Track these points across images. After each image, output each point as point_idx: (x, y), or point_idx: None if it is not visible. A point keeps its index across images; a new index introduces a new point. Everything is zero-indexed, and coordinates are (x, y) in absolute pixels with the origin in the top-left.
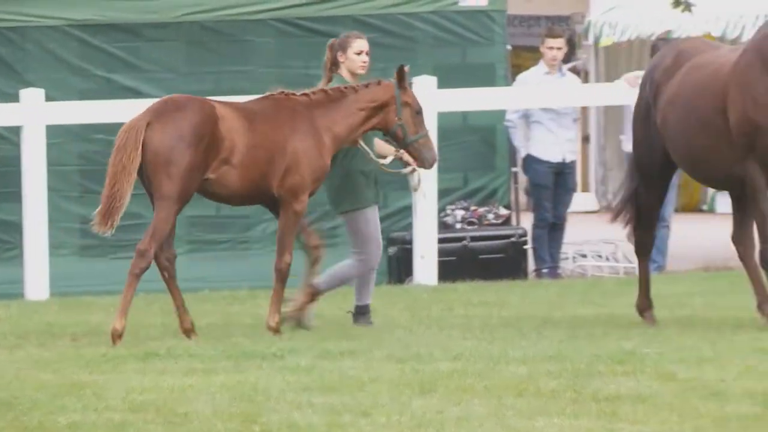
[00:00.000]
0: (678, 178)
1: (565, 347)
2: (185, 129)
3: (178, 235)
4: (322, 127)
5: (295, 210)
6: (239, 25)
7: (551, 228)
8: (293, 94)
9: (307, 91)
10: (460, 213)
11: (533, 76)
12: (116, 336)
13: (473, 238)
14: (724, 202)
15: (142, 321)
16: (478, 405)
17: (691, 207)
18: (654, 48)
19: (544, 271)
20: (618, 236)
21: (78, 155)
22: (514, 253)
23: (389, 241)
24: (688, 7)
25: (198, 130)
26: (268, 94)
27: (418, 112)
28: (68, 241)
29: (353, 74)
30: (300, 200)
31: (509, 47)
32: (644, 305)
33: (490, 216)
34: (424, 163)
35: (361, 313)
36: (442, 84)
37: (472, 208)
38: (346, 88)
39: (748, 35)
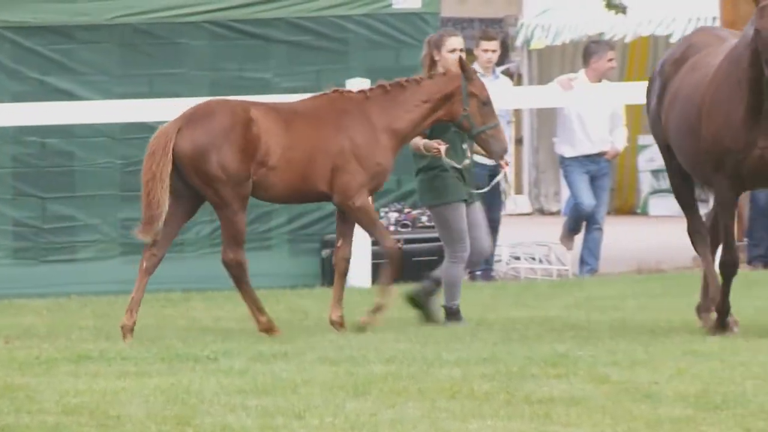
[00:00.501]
0: (612, 181)
1: (499, 350)
2: (215, 134)
3: (112, 237)
4: (379, 123)
5: (357, 207)
6: (172, 27)
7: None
8: (348, 92)
9: (365, 88)
10: (393, 215)
11: None
12: (268, 330)
13: (407, 241)
14: (656, 205)
15: (76, 323)
16: (411, 407)
17: (625, 210)
18: (586, 50)
19: (478, 273)
20: (551, 239)
21: (11, 158)
22: None
23: (323, 244)
24: (621, 10)
25: (228, 134)
26: (321, 93)
27: (485, 103)
28: (1, 244)
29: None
30: (355, 198)
31: None
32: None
33: (424, 218)
34: (493, 155)
35: (451, 314)
36: None
37: (406, 210)
38: (407, 81)
39: (679, 37)
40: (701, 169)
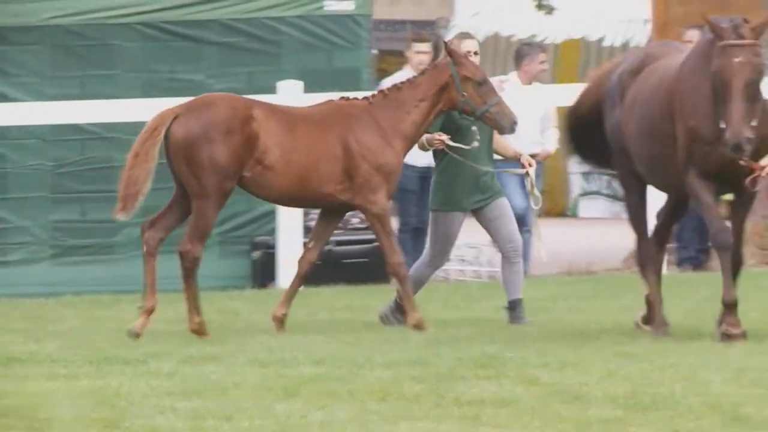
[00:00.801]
0: (542, 183)
1: (429, 351)
2: (209, 125)
3: (42, 239)
4: (389, 127)
5: (374, 213)
6: (104, 29)
7: (415, 233)
8: (354, 98)
9: (368, 94)
10: None
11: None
12: (199, 332)
13: (337, 243)
14: (586, 207)
15: (5, 326)
16: (341, 410)
17: (555, 212)
18: (518, 52)
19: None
20: (481, 241)
21: None
22: (378, 258)
23: (253, 246)
24: (549, 10)
25: (223, 127)
26: (328, 99)
27: (480, 83)
28: None
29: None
30: (372, 202)
31: (375, 51)
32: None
33: (355, 220)
34: (503, 130)
35: (511, 308)
36: (309, 88)
37: None
38: (402, 83)
39: (610, 39)
40: (664, 171)
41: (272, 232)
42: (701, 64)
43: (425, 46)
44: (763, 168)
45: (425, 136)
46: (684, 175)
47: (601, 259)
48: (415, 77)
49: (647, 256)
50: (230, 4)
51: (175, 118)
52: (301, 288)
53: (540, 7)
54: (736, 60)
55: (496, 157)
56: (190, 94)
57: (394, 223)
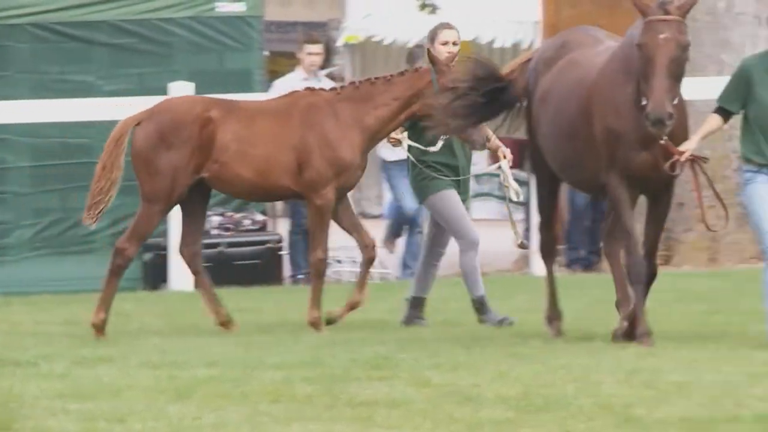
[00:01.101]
0: None
1: (321, 353)
2: (166, 130)
3: None
4: (349, 120)
5: (317, 205)
6: None
7: (307, 234)
8: (320, 90)
9: (336, 86)
10: (216, 219)
11: (291, 82)
12: (98, 329)
13: (229, 244)
14: (478, 208)
15: None
16: (234, 411)
17: None
18: (409, 54)
19: (300, 276)
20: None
21: None
22: (270, 259)
23: (144, 248)
24: (433, 10)
25: (180, 132)
26: (292, 90)
27: None
28: None
29: (443, 66)
30: (320, 195)
31: (266, 53)
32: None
33: (246, 222)
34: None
35: (479, 307)
36: (200, 90)
37: (228, 214)
38: (377, 79)
39: (501, 40)
40: (579, 169)
41: (163, 234)
42: (623, 66)
43: (317, 48)
44: (682, 153)
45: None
46: (606, 179)
47: (492, 261)
48: (393, 76)
49: (547, 249)
50: (121, 5)
51: (138, 124)
52: (192, 290)
53: (423, 6)
54: (662, 36)
55: None
56: (80, 96)
57: (286, 224)
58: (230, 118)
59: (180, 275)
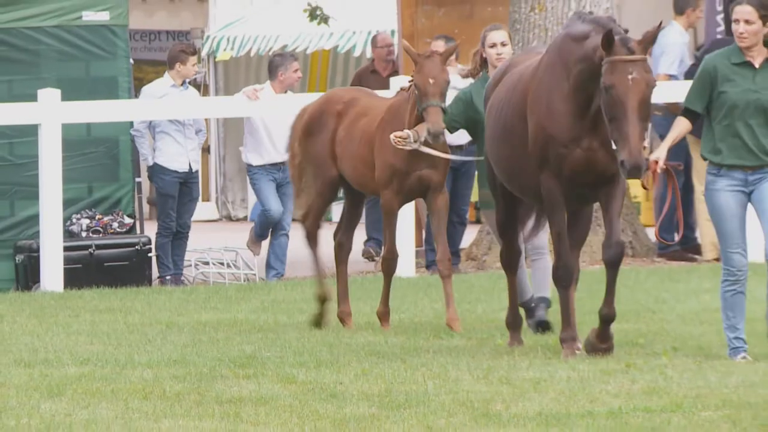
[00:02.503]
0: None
1: (189, 351)
2: (304, 122)
3: None
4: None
5: (381, 204)
6: None
7: (175, 236)
8: (405, 90)
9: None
10: (85, 222)
11: (159, 89)
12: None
13: (98, 246)
14: (338, 211)
15: None
16: (105, 408)
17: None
18: (271, 63)
19: (168, 278)
20: (239, 244)
21: None
22: (139, 261)
23: (16, 249)
24: (324, 20)
25: (311, 124)
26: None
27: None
28: None
29: (493, 67)
30: (382, 195)
31: (132, 61)
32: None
33: (115, 225)
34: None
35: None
36: (67, 96)
37: (98, 217)
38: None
39: (359, 49)
40: (520, 174)
41: (36, 235)
42: (557, 60)
43: (194, 59)
44: (656, 164)
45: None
46: (540, 179)
47: (351, 261)
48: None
49: (508, 261)
50: None
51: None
52: (63, 290)
53: (313, 17)
54: (630, 77)
55: None
56: None
57: (153, 227)
58: (349, 113)
59: (51, 277)
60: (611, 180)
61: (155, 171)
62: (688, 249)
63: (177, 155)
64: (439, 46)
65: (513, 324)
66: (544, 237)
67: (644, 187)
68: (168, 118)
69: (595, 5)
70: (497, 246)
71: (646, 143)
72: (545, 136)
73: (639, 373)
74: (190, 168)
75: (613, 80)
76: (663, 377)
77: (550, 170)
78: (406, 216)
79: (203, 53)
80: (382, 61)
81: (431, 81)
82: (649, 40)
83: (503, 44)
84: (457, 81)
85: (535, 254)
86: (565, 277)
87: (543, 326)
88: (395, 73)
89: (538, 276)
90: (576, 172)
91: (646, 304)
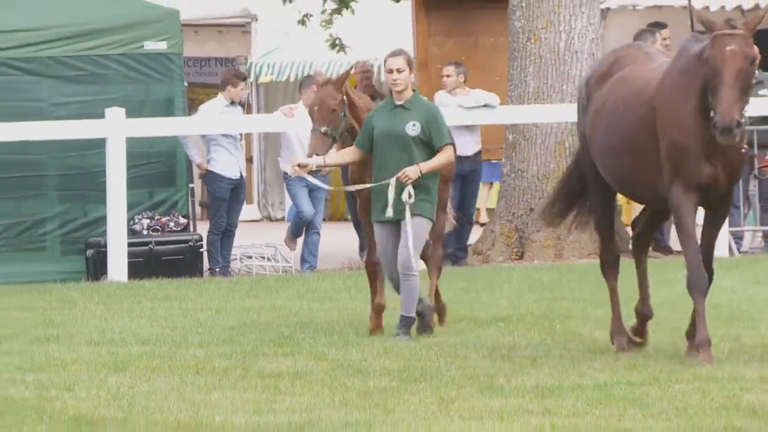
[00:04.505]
0: (326, 193)
1: (235, 333)
2: None
3: None
4: None
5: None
6: None
7: (224, 234)
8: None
9: None
10: (146, 222)
11: (213, 107)
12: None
13: (157, 243)
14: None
15: None
16: (163, 381)
17: (338, 216)
18: (301, 84)
19: (217, 270)
20: (277, 241)
21: None
22: (192, 255)
23: (87, 245)
24: (342, 49)
25: None
26: None
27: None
28: None
29: (393, 93)
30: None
31: (186, 84)
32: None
33: (172, 224)
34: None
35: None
36: (130, 114)
37: (157, 217)
38: None
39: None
40: (639, 183)
41: (104, 233)
42: (682, 80)
43: (244, 84)
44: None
45: None
46: (669, 192)
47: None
48: None
49: (609, 262)
50: (65, 44)
51: None
52: (127, 281)
53: (333, 46)
54: (728, 48)
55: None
56: (34, 119)
57: (205, 226)
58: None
59: (117, 269)
60: (728, 192)
61: (210, 178)
62: (660, 249)
63: (229, 164)
64: (450, 71)
65: (618, 332)
66: (411, 256)
67: (762, 177)
68: (217, 133)
69: (582, 36)
70: (500, 242)
71: (745, 111)
72: (680, 151)
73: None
74: (240, 175)
75: (712, 52)
76: (642, 355)
77: (681, 182)
78: None
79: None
80: (360, 85)
81: (315, 108)
82: (756, 20)
83: (399, 71)
84: (448, 99)
85: (403, 274)
86: (699, 284)
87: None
88: (374, 96)
89: (406, 295)
90: (707, 185)
91: (628, 293)
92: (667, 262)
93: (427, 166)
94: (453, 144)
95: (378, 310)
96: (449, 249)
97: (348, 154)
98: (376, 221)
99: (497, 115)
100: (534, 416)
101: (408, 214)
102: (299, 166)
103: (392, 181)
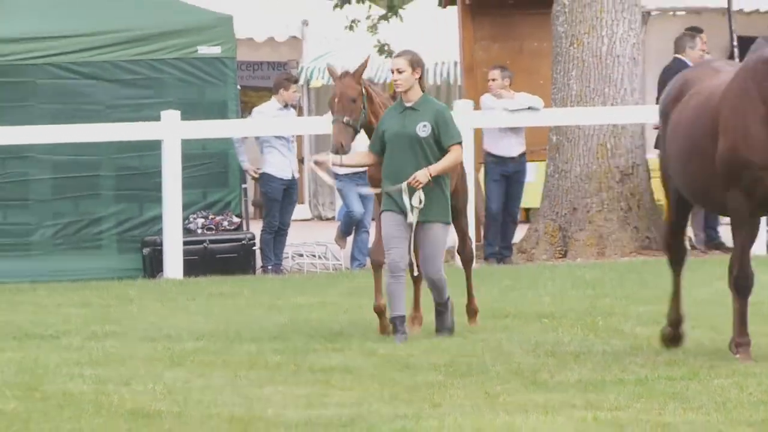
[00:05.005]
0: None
1: (287, 329)
2: None
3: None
4: None
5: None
6: (20, 68)
7: (276, 232)
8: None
9: None
10: (200, 221)
11: (267, 109)
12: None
13: (211, 241)
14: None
15: None
16: (217, 376)
17: None
18: None
19: (269, 267)
20: (328, 239)
21: None
22: (245, 253)
23: (143, 244)
24: (390, 53)
25: None
26: None
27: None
28: None
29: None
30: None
31: (239, 87)
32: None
33: (225, 223)
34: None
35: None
36: (185, 117)
37: (211, 216)
38: None
39: (430, 79)
40: (706, 190)
41: (159, 232)
42: (751, 85)
43: (296, 86)
44: None
45: None
46: (728, 198)
47: None
48: None
49: (676, 257)
50: (123, 48)
51: None
52: (183, 278)
53: (381, 52)
54: None
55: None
56: (91, 121)
57: (258, 225)
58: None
59: (172, 267)
60: None
61: (264, 179)
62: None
63: (282, 165)
64: (496, 74)
65: (675, 321)
66: (404, 260)
67: None
68: (269, 135)
69: (623, 41)
70: (544, 241)
71: None
72: (741, 160)
73: (662, 348)
74: (293, 176)
75: None
76: (682, 351)
77: (739, 190)
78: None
79: (299, 81)
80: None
81: (336, 99)
82: None
83: (399, 71)
84: (494, 102)
85: (430, 279)
86: (745, 286)
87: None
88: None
89: (436, 291)
90: (763, 194)
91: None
92: (704, 260)
93: (436, 168)
94: (461, 143)
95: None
96: (495, 247)
97: (364, 157)
98: (385, 210)
99: (541, 117)
100: (577, 410)
101: (415, 218)
102: (316, 162)
103: (404, 186)
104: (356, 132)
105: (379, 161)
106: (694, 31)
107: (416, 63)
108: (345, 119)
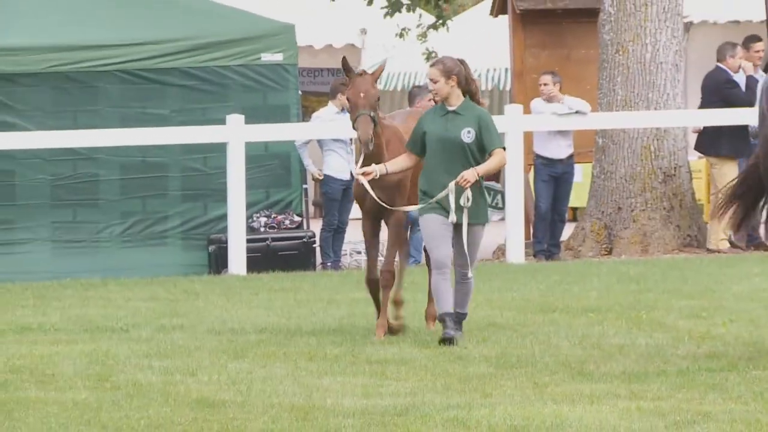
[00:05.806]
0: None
1: (345, 323)
2: None
3: (43, 236)
4: None
5: None
6: (91, 74)
7: (335, 231)
8: None
9: None
10: (263, 219)
11: (325, 114)
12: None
13: (274, 239)
14: None
15: (19, 302)
16: (279, 367)
17: None
18: (411, 93)
19: (329, 264)
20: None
21: None
22: (306, 250)
23: (209, 241)
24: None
25: None
26: None
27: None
28: None
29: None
30: None
31: (300, 92)
32: None
33: (287, 222)
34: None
35: (440, 321)
36: (249, 120)
37: (273, 215)
38: None
39: (482, 85)
40: None
41: (224, 230)
42: None
43: None
44: None
45: None
46: None
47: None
48: None
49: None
50: (188, 55)
51: None
52: (246, 274)
53: (429, 57)
54: None
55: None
56: (157, 125)
57: (318, 223)
58: None
59: (236, 263)
60: None
61: (324, 180)
62: (755, 246)
63: (341, 167)
64: (547, 79)
65: None
66: (449, 257)
67: None
68: (328, 138)
69: (666, 48)
70: (590, 238)
71: None
72: None
73: (703, 340)
74: (351, 176)
75: None
76: (722, 343)
77: None
78: (517, 211)
79: None
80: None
81: (361, 95)
82: None
83: (434, 81)
84: (543, 107)
85: (461, 280)
86: None
87: (447, 342)
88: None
89: (460, 296)
90: None
91: (708, 285)
92: (745, 257)
93: (483, 168)
94: (504, 148)
95: (383, 326)
96: (543, 245)
97: (405, 161)
98: (426, 213)
99: (588, 121)
100: (621, 400)
101: (465, 218)
102: (364, 174)
103: (451, 186)
104: (375, 126)
105: (420, 161)
106: (752, 40)
107: (449, 71)
108: (371, 114)
